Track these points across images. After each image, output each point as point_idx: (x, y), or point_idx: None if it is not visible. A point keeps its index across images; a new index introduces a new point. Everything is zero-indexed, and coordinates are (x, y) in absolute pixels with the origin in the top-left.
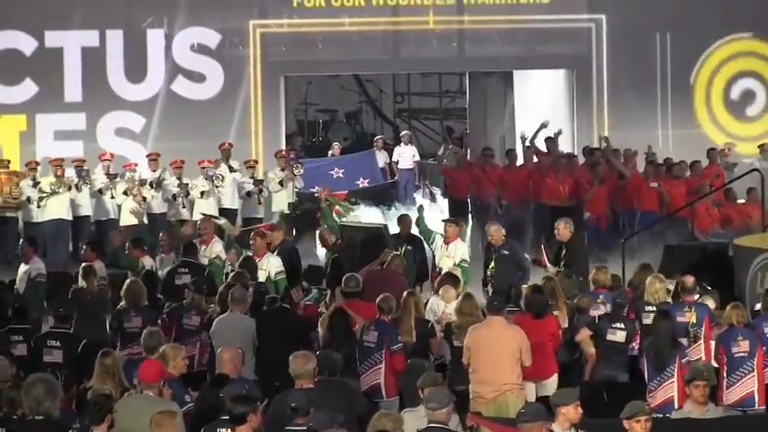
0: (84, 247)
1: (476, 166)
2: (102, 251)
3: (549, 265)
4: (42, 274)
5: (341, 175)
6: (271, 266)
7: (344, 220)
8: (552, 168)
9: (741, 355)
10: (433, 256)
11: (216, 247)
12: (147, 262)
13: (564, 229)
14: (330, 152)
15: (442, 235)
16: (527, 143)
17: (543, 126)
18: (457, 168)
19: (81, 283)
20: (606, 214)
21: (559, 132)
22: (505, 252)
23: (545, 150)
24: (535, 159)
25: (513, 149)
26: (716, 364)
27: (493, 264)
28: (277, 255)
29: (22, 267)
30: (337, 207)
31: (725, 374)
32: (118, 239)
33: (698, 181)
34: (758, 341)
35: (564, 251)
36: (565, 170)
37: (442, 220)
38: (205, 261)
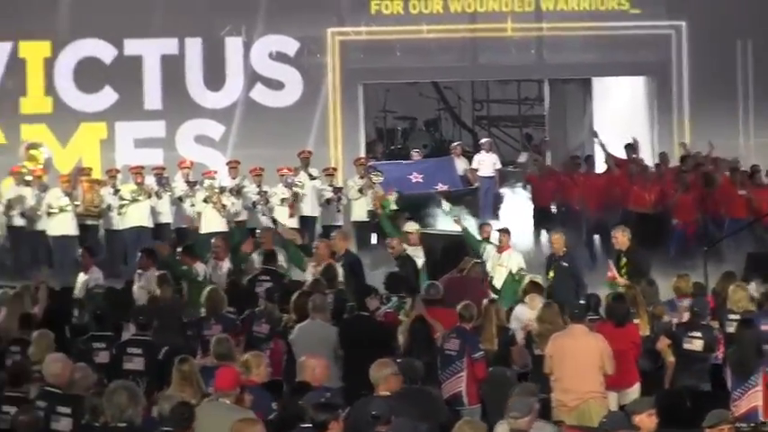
0: (140, 254)
1: (562, 174)
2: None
3: (618, 276)
4: (100, 285)
5: (420, 180)
6: None
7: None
8: (639, 175)
9: None
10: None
11: (278, 257)
12: (200, 268)
13: (622, 237)
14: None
15: (495, 245)
16: (604, 154)
17: (595, 136)
18: (541, 176)
19: (156, 291)
20: (695, 221)
21: (635, 142)
22: (564, 264)
23: (625, 158)
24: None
25: (591, 155)
26: None
27: (552, 273)
28: (342, 265)
29: (81, 276)
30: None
31: None
32: (165, 249)
33: None
34: None
35: (624, 260)
36: (652, 177)
37: (497, 230)
38: None
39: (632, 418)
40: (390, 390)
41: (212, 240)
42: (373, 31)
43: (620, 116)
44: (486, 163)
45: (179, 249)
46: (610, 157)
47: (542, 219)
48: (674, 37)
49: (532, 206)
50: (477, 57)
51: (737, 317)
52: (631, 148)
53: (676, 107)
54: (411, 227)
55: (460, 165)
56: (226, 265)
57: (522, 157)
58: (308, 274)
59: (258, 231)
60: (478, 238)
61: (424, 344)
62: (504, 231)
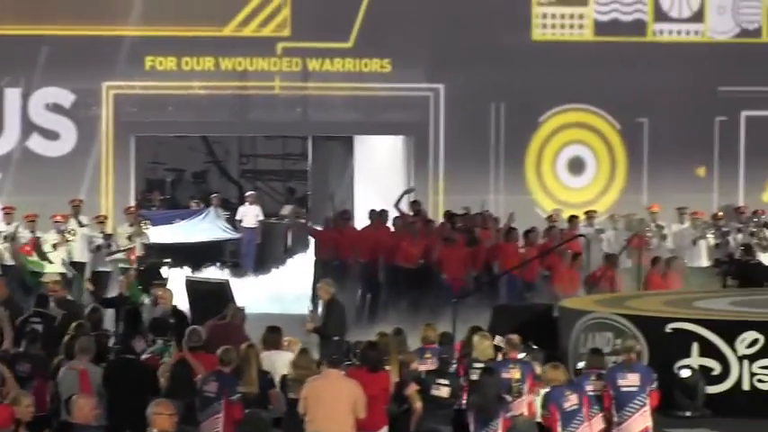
0: None
1: (334, 229)
2: None
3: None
4: None
5: (183, 224)
6: None
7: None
8: (407, 231)
9: (573, 407)
10: None
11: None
12: None
13: (320, 290)
14: None
15: None
16: (393, 206)
17: (408, 192)
18: (325, 230)
19: None
20: (462, 277)
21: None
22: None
23: (411, 213)
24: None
25: (375, 210)
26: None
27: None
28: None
29: None
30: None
31: (560, 429)
32: None
33: (548, 244)
34: (583, 395)
35: (324, 310)
36: (420, 233)
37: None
38: None
39: None
40: (163, 429)
41: None
42: (147, 85)
43: (380, 172)
44: (250, 215)
45: None
46: (401, 213)
47: (326, 272)
48: (432, 99)
49: (315, 259)
50: (246, 113)
51: (482, 365)
52: (417, 204)
53: (432, 164)
54: None
55: (220, 214)
56: None
57: (286, 210)
58: None
59: None
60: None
61: (185, 385)
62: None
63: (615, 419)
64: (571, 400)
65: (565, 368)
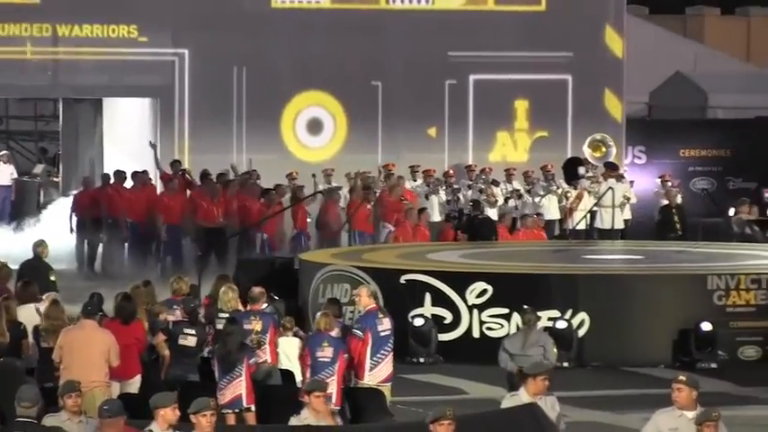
0: None
1: (111, 188)
2: None
3: None
4: None
5: None
6: None
7: None
8: (207, 192)
9: (325, 359)
10: None
11: None
12: None
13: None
14: None
15: None
16: (156, 168)
17: (153, 146)
18: (85, 192)
19: None
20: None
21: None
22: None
23: (170, 172)
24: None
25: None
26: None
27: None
28: None
29: None
30: None
31: (309, 376)
32: None
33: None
34: (341, 349)
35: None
36: (220, 193)
37: None
38: None
39: (156, 412)
40: None
41: None
42: None
43: (129, 133)
44: (4, 173)
45: None
46: (159, 170)
47: (92, 231)
48: (178, 63)
49: (76, 219)
50: None
51: (226, 315)
52: (179, 163)
53: (178, 126)
54: None
55: None
56: None
57: (38, 169)
58: None
59: None
60: None
61: None
62: None
63: (368, 365)
64: (326, 353)
65: (333, 319)
